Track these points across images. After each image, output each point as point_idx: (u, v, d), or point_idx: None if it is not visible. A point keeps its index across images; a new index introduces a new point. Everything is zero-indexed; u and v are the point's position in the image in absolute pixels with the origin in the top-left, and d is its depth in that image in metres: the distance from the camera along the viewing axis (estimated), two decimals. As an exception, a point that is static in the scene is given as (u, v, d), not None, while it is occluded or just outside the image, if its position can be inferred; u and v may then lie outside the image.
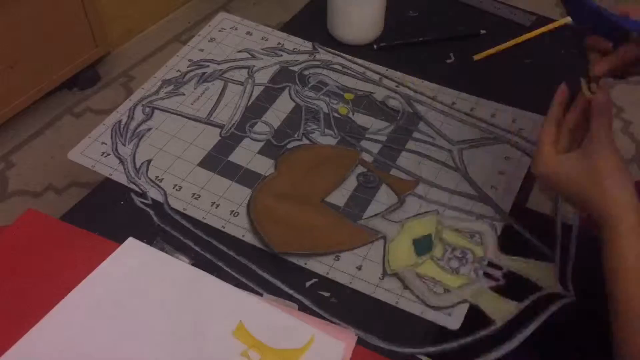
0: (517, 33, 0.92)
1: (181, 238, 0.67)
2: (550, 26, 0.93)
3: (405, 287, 0.63)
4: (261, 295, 0.63)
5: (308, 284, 0.64)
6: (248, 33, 0.93)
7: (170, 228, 0.68)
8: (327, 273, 0.65)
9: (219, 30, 0.93)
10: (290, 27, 0.95)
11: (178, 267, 0.64)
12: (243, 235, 0.68)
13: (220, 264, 0.65)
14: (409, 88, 0.84)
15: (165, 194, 0.72)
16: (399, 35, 0.93)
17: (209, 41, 0.92)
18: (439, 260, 0.65)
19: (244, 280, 0.64)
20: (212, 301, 0.61)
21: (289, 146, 0.77)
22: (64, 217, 0.69)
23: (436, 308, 0.61)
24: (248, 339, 0.58)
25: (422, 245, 0.67)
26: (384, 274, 0.65)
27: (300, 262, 0.65)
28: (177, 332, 0.59)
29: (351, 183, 0.73)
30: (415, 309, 0.62)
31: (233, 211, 0.70)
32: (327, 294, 0.63)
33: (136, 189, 0.72)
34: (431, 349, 0.59)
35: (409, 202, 0.71)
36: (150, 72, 0.87)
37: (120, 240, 0.65)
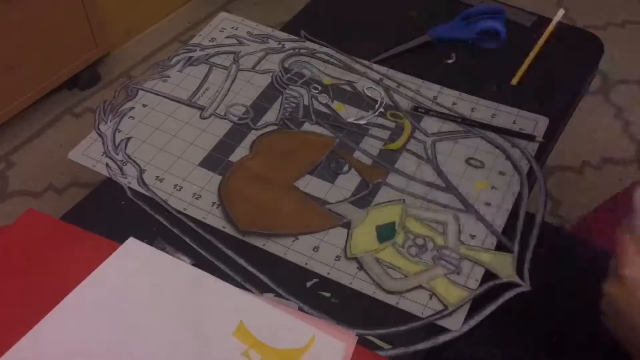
0: (517, 33, 0.91)
1: (168, 225, 0.68)
2: (551, 27, 0.92)
3: (362, 269, 0.64)
4: (260, 295, 0.63)
5: (309, 284, 0.64)
6: (249, 33, 0.93)
7: (165, 220, 0.68)
8: (328, 273, 0.65)
9: (220, 30, 0.93)
10: (291, 27, 0.95)
11: (179, 268, 0.64)
12: (243, 236, 0.68)
13: (219, 264, 0.65)
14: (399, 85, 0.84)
15: (140, 170, 0.73)
16: (399, 35, 0.92)
17: (209, 41, 0.91)
18: (400, 247, 0.66)
19: (242, 281, 0.64)
20: (213, 301, 0.61)
21: (265, 130, 0.78)
22: (64, 217, 0.69)
23: (390, 292, 0.62)
24: (249, 338, 0.58)
25: (385, 233, 0.67)
26: (345, 257, 0.65)
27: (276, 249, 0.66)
28: (178, 333, 0.59)
29: (328, 172, 0.74)
30: (392, 299, 0.62)
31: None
32: (327, 294, 0.63)
33: (113, 165, 0.74)
34: (382, 332, 0.60)
35: (377, 190, 0.72)
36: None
37: (121, 241, 0.65)
